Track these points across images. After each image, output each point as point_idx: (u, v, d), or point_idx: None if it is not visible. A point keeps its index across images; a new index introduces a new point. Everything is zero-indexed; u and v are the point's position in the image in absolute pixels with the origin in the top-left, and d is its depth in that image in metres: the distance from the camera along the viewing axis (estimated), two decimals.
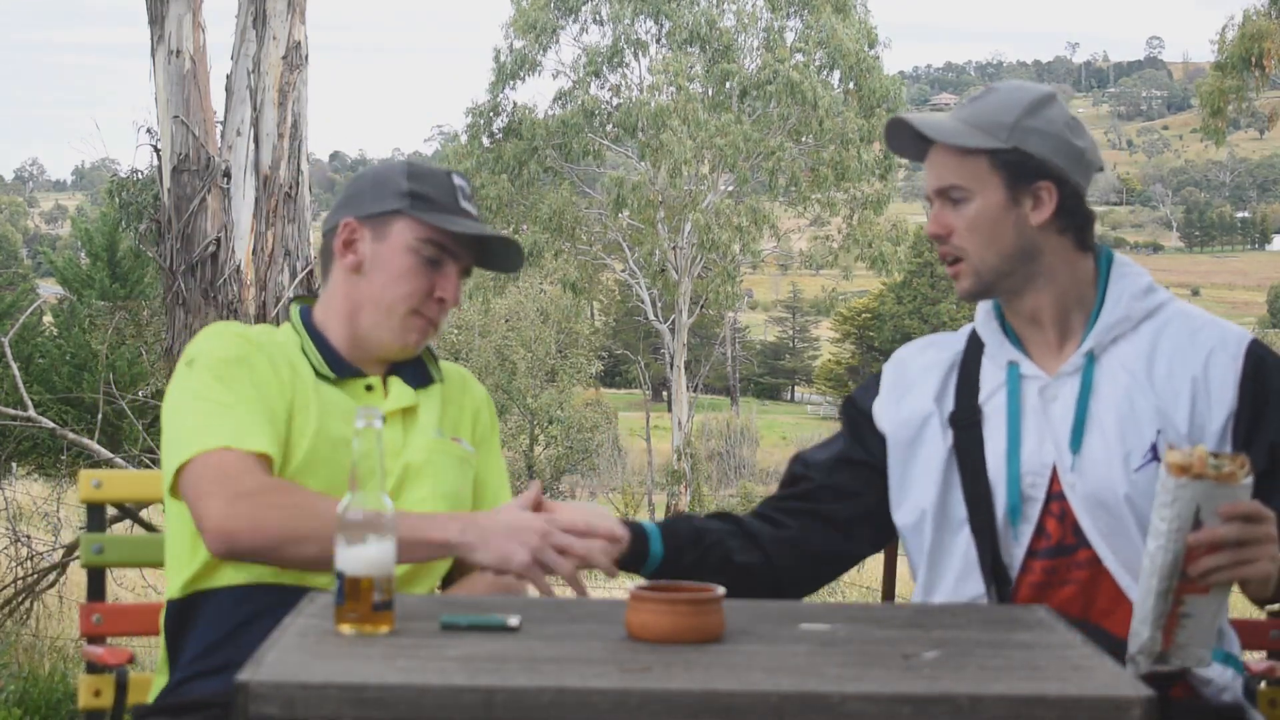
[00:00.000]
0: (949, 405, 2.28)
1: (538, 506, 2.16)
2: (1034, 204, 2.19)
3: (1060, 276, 2.22)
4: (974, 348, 2.31)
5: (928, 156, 2.25)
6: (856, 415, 2.39)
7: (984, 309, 2.31)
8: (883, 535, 2.38)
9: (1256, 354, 2.18)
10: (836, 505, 2.35)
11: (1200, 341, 2.19)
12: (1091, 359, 2.20)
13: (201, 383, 2.24)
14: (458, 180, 2.39)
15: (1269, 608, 2.59)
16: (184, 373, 2.28)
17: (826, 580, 2.46)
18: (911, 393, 2.32)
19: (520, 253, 2.43)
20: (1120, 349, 2.20)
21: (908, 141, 2.27)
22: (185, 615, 2.27)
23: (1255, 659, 2.46)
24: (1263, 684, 2.52)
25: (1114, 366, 2.19)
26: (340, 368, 2.35)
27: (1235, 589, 1.95)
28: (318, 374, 2.33)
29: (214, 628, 2.23)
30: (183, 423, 2.22)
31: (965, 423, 2.25)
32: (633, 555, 2.23)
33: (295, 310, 2.43)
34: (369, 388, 2.37)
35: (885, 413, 2.34)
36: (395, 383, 2.40)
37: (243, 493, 2.12)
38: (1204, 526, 1.85)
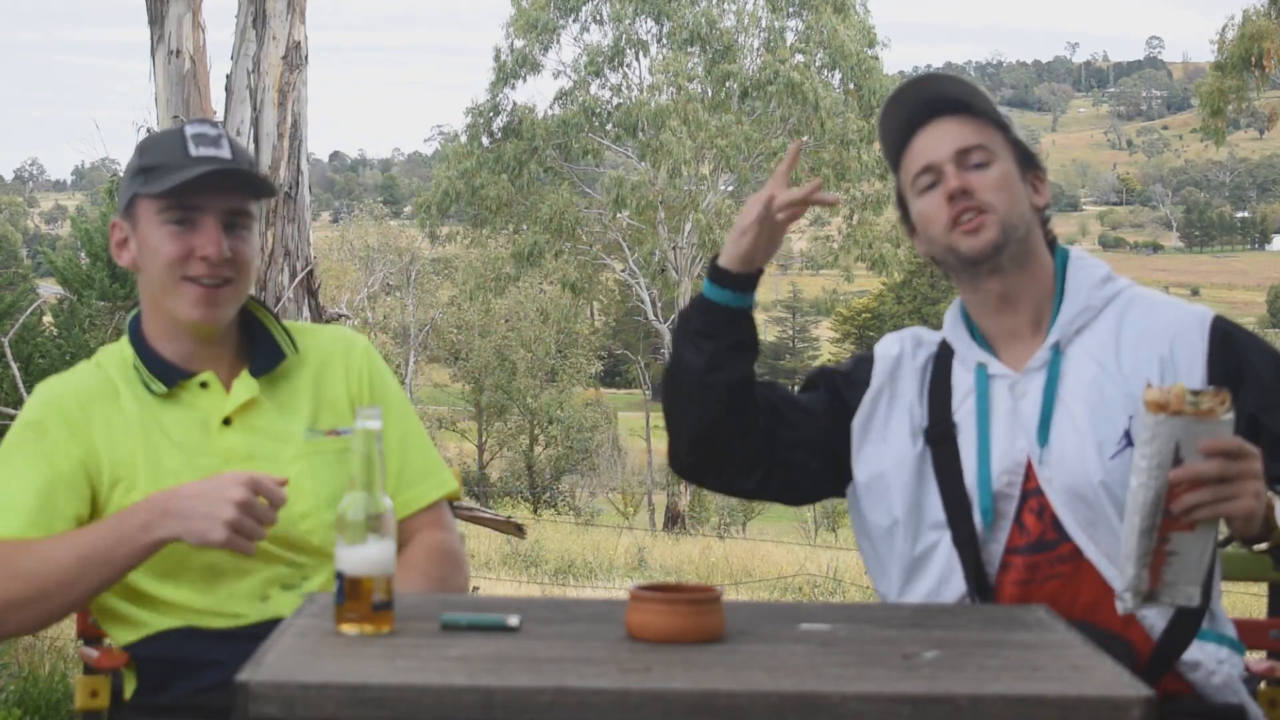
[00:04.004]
0: (921, 415, 2.28)
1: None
2: (1034, 188, 2.28)
3: (1041, 262, 2.26)
4: (944, 353, 2.32)
5: (933, 126, 2.25)
6: (837, 393, 2.35)
7: (952, 314, 2.32)
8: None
9: (1221, 329, 2.19)
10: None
11: (1163, 322, 2.20)
12: (1057, 351, 2.21)
13: (3, 452, 2.24)
14: (193, 129, 2.23)
15: (1267, 605, 2.60)
16: None
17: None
18: (897, 401, 2.30)
19: (254, 178, 2.25)
20: (1085, 339, 2.22)
21: (913, 109, 2.26)
22: (136, 658, 2.29)
23: (1255, 659, 2.46)
24: (1263, 684, 2.51)
25: (1080, 356, 2.21)
26: (168, 375, 2.27)
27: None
28: (151, 391, 2.26)
29: (162, 664, 2.25)
30: None
31: (940, 436, 2.25)
32: None
33: (127, 322, 2.34)
34: (204, 384, 2.27)
35: (869, 422, 2.31)
36: (242, 376, 2.28)
37: None
38: (1185, 463, 1.84)
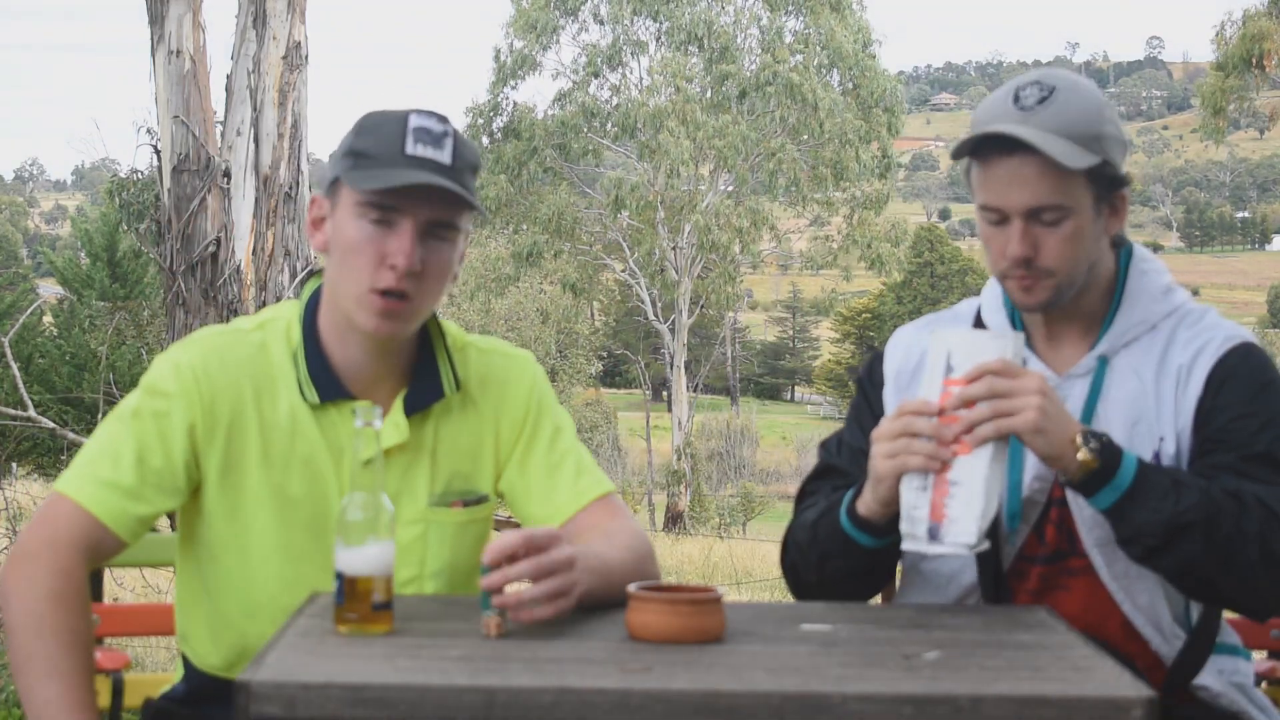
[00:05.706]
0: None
1: None
2: (1111, 213, 2.11)
3: (1100, 278, 2.15)
4: None
5: (1009, 167, 2.04)
6: (865, 405, 2.31)
7: (994, 299, 2.24)
8: None
9: (1240, 351, 2.11)
10: None
11: (1196, 337, 2.12)
12: (1104, 361, 2.14)
13: (123, 408, 2.08)
14: (417, 121, 2.03)
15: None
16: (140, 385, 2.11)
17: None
18: (913, 389, 2.22)
19: (467, 202, 2.04)
20: (1133, 351, 2.14)
21: (976, 145, 2.08)
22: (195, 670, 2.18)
23: (1255, 659, 2.45)
24: (1264, 684, 2.51)
25: (1125, 370, 2.13)
26: (327, 388, 2.09)
27: None
28: (303, 395, 2.09)
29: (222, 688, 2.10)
30: (90, 441, 2.09)
31: None
32: None
33: (306, 294, 2.16)
34: (355, 413, 1.99)
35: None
36: (395, 410, 2.11)
37: (43, 563, 1.98)
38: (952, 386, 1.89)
